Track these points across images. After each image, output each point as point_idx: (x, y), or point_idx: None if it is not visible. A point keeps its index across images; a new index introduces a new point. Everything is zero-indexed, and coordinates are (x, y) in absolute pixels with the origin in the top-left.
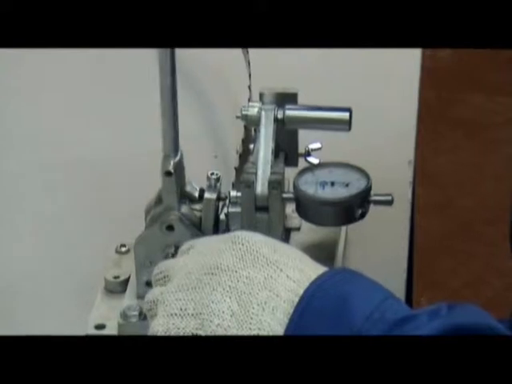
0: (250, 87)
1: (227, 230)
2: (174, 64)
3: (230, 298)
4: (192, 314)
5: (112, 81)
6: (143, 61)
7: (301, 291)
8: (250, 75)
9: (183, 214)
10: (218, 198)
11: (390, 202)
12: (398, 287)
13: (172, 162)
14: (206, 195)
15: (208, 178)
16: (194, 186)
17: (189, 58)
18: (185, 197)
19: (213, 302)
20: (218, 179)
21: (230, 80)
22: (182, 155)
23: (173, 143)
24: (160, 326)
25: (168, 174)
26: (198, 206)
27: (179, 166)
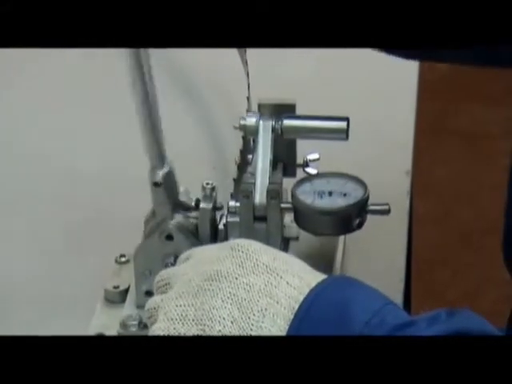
0: (248, 98)
1: (226, 239)
2: (148, 69)
3: (231, 304)
4: (193, 320)
5: (110, 88)
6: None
7: (301, 298)
8: (248, 86)
9: (179, 223)
10: (214, 208)
11: (386, 212)
12: (395, 297)
13: (159, 173)
14: (202, 205)
15: (203, 188)
16: (189, 197)
17: (187, 68)
18: (179, 206)
19: (214, 308)
20: (213, 189)
21: (229, 91)
22: (171, 165)
23: (158, 154)
24: (161, 331)
25: (156, 184)
26: (194, 214)
27: (169, 177)
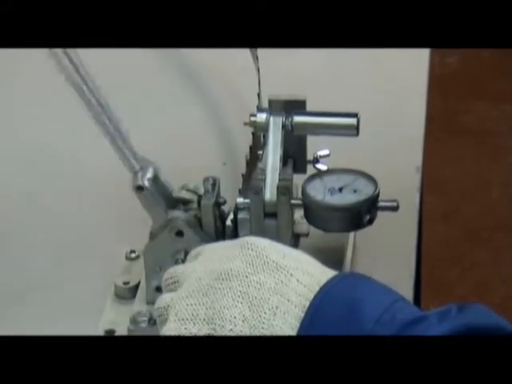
0: (258, 94)
1: (235, 236)
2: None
3: (242, 303)
4: (204, 319)
5: (117, 85)
6: (144, 60)
7: (311, 295)
8: (259, 82)
9: (189, 219)
10: (217, 203)
11: (395, 208)
12: (405, 293)
13: (140, 177)
14: (203, 201)
15: (204, 183)
16: (192, 190)
17: (199, 65)
18: (178, 202)
19: (224, 308)
20: (214, 184)
21: (239, 87)
22: (155, 167)
23: (133, 160)
24: (172, 331)
25: (139, 188)
26: (194, 207)
27: (155, 179)
